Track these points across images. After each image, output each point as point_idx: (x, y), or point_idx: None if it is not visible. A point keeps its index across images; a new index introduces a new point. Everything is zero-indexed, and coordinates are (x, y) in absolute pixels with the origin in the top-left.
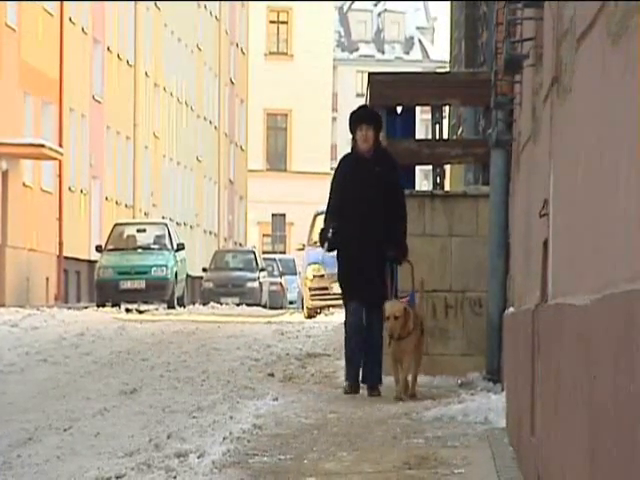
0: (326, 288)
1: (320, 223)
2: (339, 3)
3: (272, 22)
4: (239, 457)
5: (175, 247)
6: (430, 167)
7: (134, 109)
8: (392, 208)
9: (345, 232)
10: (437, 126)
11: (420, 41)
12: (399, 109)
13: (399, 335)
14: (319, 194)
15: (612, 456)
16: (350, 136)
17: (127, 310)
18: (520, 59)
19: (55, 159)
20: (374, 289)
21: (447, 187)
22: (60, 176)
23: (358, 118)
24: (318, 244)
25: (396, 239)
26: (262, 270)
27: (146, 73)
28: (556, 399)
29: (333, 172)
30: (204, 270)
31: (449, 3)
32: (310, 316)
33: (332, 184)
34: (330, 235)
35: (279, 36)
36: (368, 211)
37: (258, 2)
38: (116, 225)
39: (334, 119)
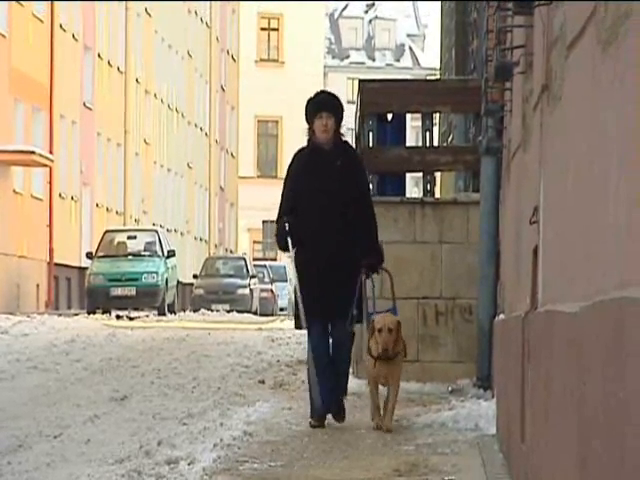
0: None
1: None
2: (330, 10)
3: (263, 29)
4: (229, 464)
5: (166, 254)
6: (420, 174)
7: (125, 116)
8: (359, 207)
9: (302, 232)
10: (427, 133)
11: (411, 48)
12: (389, 116)
13: (391, 353)
14: None
15: (602, 462)
16: None
17: (118, 317)
18: (510, 66)
19: (45, 166)
20: (341, 304)
21: (437, 194)
22: (50, 183)
23: (317, 105)
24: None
25: (369, 243)
26: (253, 277)
27: (137, 80)
28: (546, 406)
29: (287, 169)
30: (195, 277)
31: (439, 11)
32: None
33: (285, 181)
34: (287, 229)
35: (270, 43)
36: (329, 207)
37: (249, 9)
38: (107, 232)
39: None
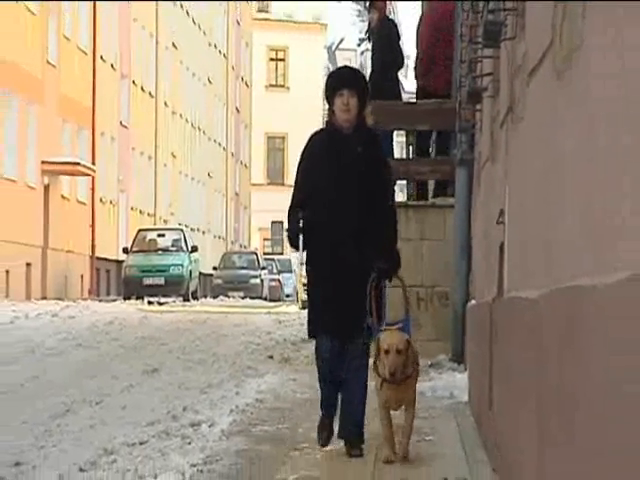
0: None
1: None
2: (328, 43)
3: (272, 59)
4: (244, 426)
5: (190, 249)
6: (405, 182)
7: (155, 133)
8: (380, 203)
9: (314, 230)
10: (410, 147)
11: None
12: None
13: (400, 376)
14: None
15: (555, 432)
16: None
17: (149, 302)
18: (480, 91)
19: (89, 175)
20: (356, 316)
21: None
22: (93, 189)
23: (338, 80)
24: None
25: (386, 246)
26: (263, 268)
27: (165, 103)
28: (509, 380)
29: (300, 154)
30: (214, 269)
31: None
32: (304, 307)
33: (298, 169)
34: (300, 225)
35: (277, 71)
36: (344, 202)
37: (260, 42)
38: (140, 231)
39: None
